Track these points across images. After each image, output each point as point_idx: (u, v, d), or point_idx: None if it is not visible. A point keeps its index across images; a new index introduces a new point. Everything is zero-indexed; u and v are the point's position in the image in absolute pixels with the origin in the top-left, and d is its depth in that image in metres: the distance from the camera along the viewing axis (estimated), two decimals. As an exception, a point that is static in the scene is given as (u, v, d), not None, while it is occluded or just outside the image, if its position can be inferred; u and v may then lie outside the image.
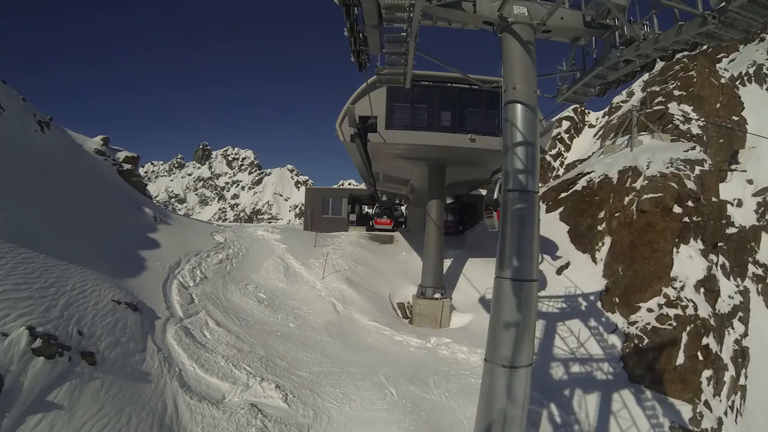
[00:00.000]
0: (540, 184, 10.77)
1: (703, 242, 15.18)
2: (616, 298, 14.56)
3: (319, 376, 9.94)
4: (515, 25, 6.04)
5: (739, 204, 24.36)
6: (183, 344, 9.54)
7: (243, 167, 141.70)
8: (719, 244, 17.01)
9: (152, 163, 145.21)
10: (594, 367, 12.48)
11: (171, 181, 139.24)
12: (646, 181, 16.10)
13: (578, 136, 41.94)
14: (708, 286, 14.18)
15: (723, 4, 5.21)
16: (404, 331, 13.41)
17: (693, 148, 17.36)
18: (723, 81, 29.68)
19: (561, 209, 19.72)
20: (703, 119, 26.48)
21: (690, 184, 15.55)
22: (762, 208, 23.80)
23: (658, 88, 30.23)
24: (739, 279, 18.64)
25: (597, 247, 16.81)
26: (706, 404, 12.05)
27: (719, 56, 35.70)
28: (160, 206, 26.78)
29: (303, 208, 35.90)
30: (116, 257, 11.45)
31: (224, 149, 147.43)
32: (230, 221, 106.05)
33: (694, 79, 28.33)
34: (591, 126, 42.09)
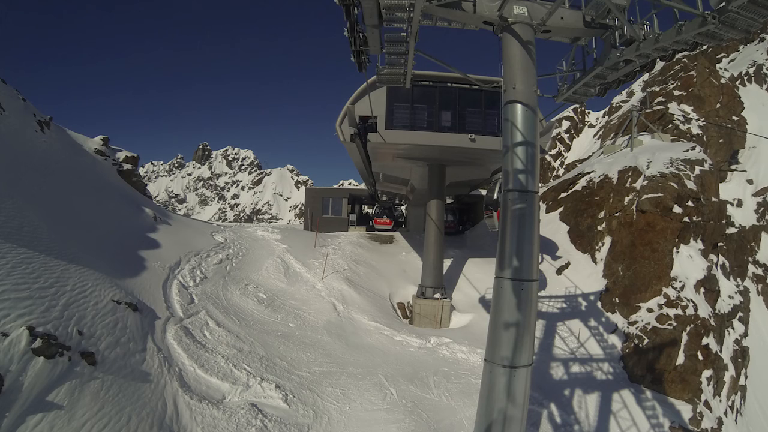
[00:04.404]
0: (540, 184, 10.78)
1: (703, 242, 15.17)
2: (616, 298, 14.56)
3: (319, 376, 9.94)
4: (515, 25, 6.05)
5: (739, 204, 24.39)
6: (183, 344, 9.54)
7: (243, 167, 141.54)
8: (719, 244, 17.00)
9: (152, 163, 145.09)
10: (594, 367, 12.48)
11: (171, 181, 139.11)
12: (646, 181, 16.10)
13: (578, 136, 41.96)
14: (708, 286, 14.18)
15: (723, 4, 5.21)
16: (404, 331, 13.40)
17: (693, 148, 17.36)
18: (723, 81, 29.69)
19: (561, 209, 19.73)
20: (703, 119, 26.49)
21: (690, 184, 15.55)
22: (762, 208, 23.82)
23: (658, 88, 30.24)
24: (739, 279, 18.65)
25: (597, 247, 16.82)
26: (706, 404, 12.05)
27: (719, 56, 35.74)
28: (160, 206, 26.77)
29: (303, 208, 35.90)
30: (116, 257, 11.45)
31: (224, 149, 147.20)
32: (230, 221, 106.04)
33: (694, 79, 28.34)
34: (591, 126, 42.11)
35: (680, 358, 12.40)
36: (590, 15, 6.38)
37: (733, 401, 13.72)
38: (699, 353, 12.63)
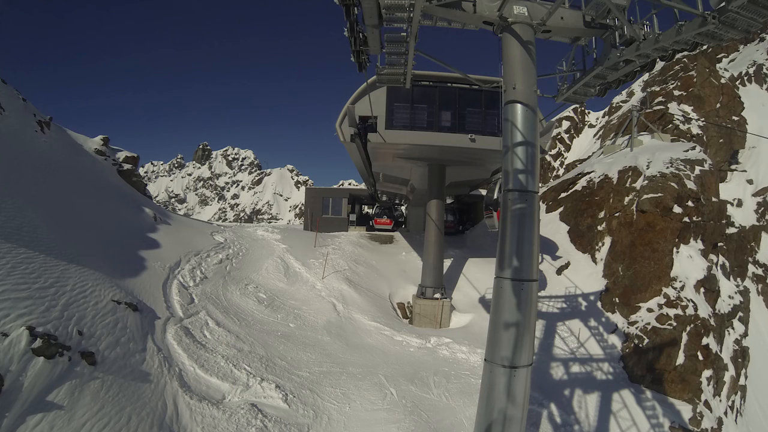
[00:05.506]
0: (540, 184, 10.78)
1: (703, 242, 15.17)
2: (616, 298, 14.56)
3: (319, 376, 9.94)
4: (515, 25, 6.05)
5: (739, 204, 24.40)
6: (183, 344, 9.54)
7: (243, 167, 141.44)
8: (719, 244, 17.01)
9: (152, 163, 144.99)
10: (594, 367, 12.48)
11: (171, 181, 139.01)
12: (646, 181, 16.10)
13: (578, 136, 41.96)
14: (708, 286, 14.18)
15: (723, 4, 5.22)
16: (404, 331, 13.40)
17: (693, 148, 17.36)
18: (723, 81, 29.70)
19: (561, 209, 19.73)
20: (703, 119, 26.50)
21: (690, 184, 15.55)
22: (762, 208, 23.83)
23: (658, 88, 30.25)
24: (739, 279, 18.66)
25: (597, 247, 16.82)
26: (706, 404, 12.05)
27: (719, 56, 35.77)
28: (160, 206, 26.76)
29: (303, 208, 35.91)
30: (116, 257, 11.45)
31: (224, 149, 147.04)
32: (230, 221, 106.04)
33: (694, 79, 28.34)
34: (591, 126, 42.11)
35: (680, 358, 12.40)
36: (590, 15, 6.38)
37: (733, 401, 13.72)
38: (699, 353, 12.63)
